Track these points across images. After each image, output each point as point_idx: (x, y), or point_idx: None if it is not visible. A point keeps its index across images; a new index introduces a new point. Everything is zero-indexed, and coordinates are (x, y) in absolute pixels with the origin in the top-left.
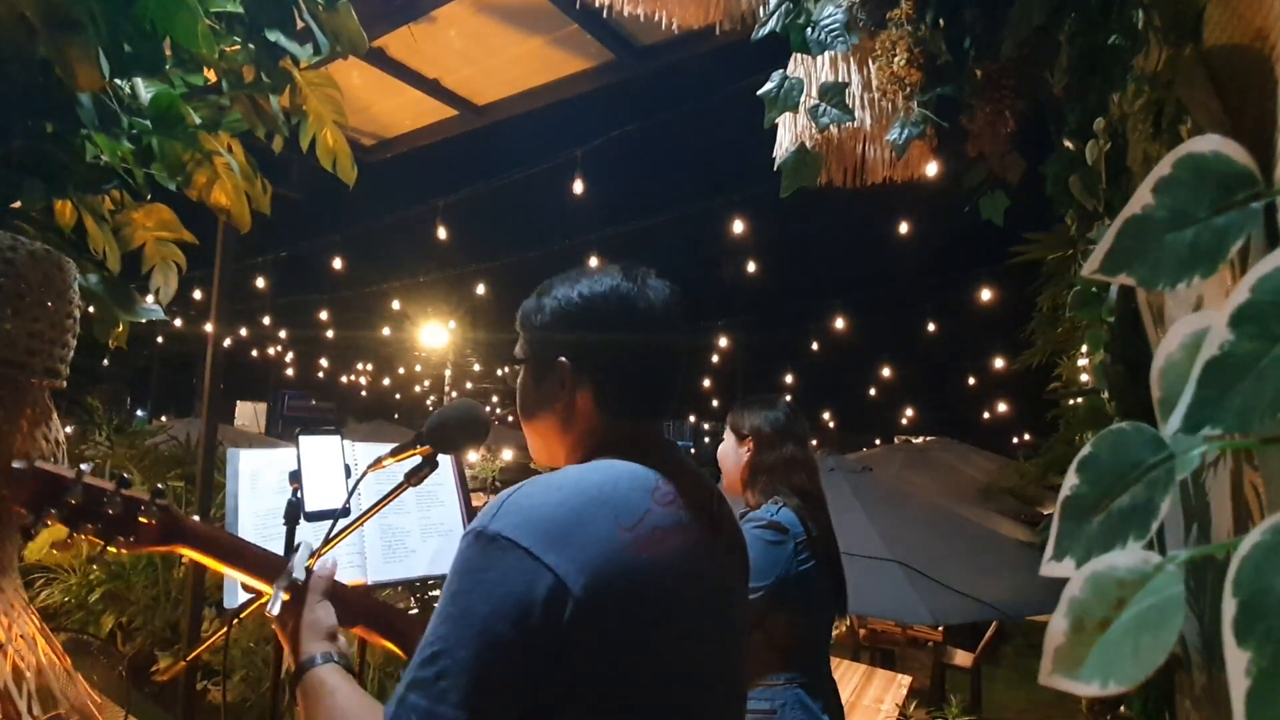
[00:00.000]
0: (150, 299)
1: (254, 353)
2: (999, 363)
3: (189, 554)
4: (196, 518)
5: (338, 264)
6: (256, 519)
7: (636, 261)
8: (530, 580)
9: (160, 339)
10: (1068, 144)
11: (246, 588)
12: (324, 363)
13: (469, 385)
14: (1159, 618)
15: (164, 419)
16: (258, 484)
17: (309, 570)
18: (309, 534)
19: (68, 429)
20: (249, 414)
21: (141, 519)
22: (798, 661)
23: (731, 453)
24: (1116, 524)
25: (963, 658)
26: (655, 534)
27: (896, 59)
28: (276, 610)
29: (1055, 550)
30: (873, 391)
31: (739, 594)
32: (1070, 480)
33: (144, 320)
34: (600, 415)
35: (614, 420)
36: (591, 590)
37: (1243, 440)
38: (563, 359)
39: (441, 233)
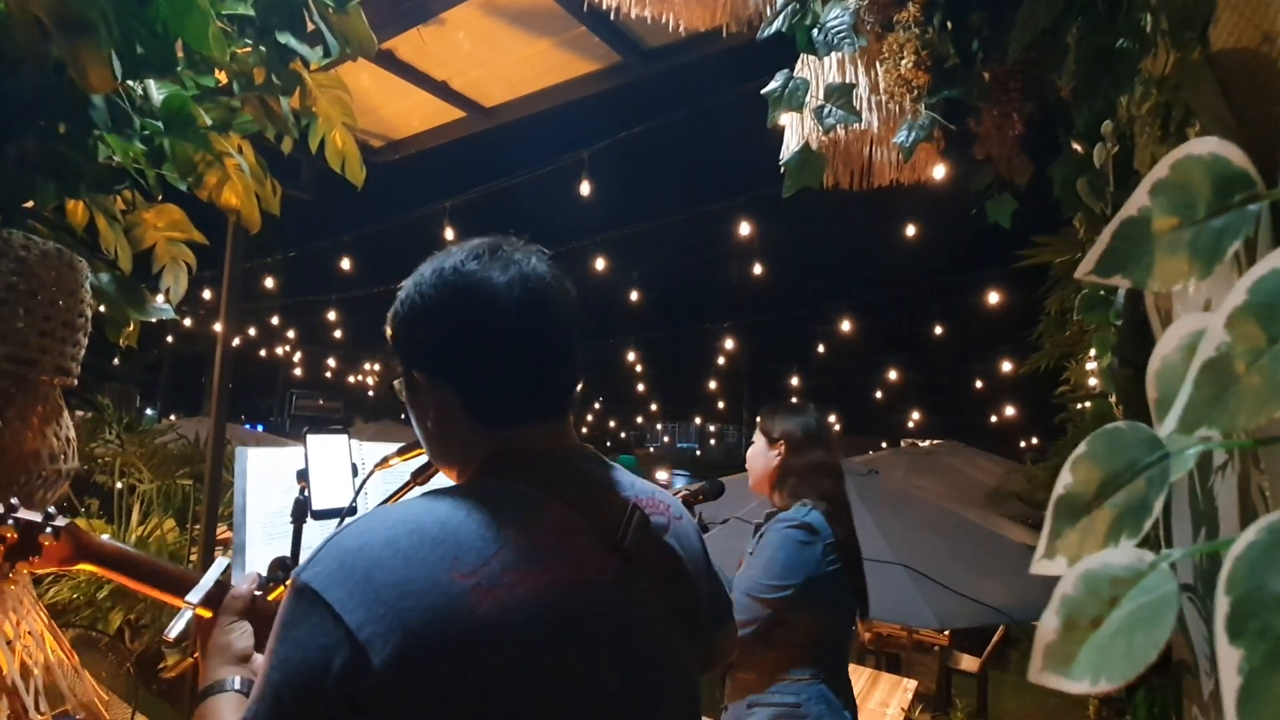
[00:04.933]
0: (160, 298)
1: (263, 352)
2: (1006, 366)
3: (98, 572)
4: (105, 536)
5: (346, 264)
6: (264, 517)
7: (642, 263)
8: (327, 647)
9: (170, 338)
10: (1075, 147)
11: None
12: (331, 362)
13: None
14: (1152, 615)
15: (173, 417)
16: (265, 483)
17: (224, 588)
18: (316, 532)
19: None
20: None
21: (42, 540)
22: (820, 660)
23: (762, 455)
24: (1110, 523)
25: (969, 662)
26: (506, 578)
27: (904, 61)
28: (174, 634)
29: (1046, 548)
30: (879, 394)
31: (664, 630)
32: (1064, 479)
33: (154, 319)
34: (478, 428)
35: (495, 431)
36: (402, 658)
37: (1238, 440)
38: (417, 373)
39: (449, 233)
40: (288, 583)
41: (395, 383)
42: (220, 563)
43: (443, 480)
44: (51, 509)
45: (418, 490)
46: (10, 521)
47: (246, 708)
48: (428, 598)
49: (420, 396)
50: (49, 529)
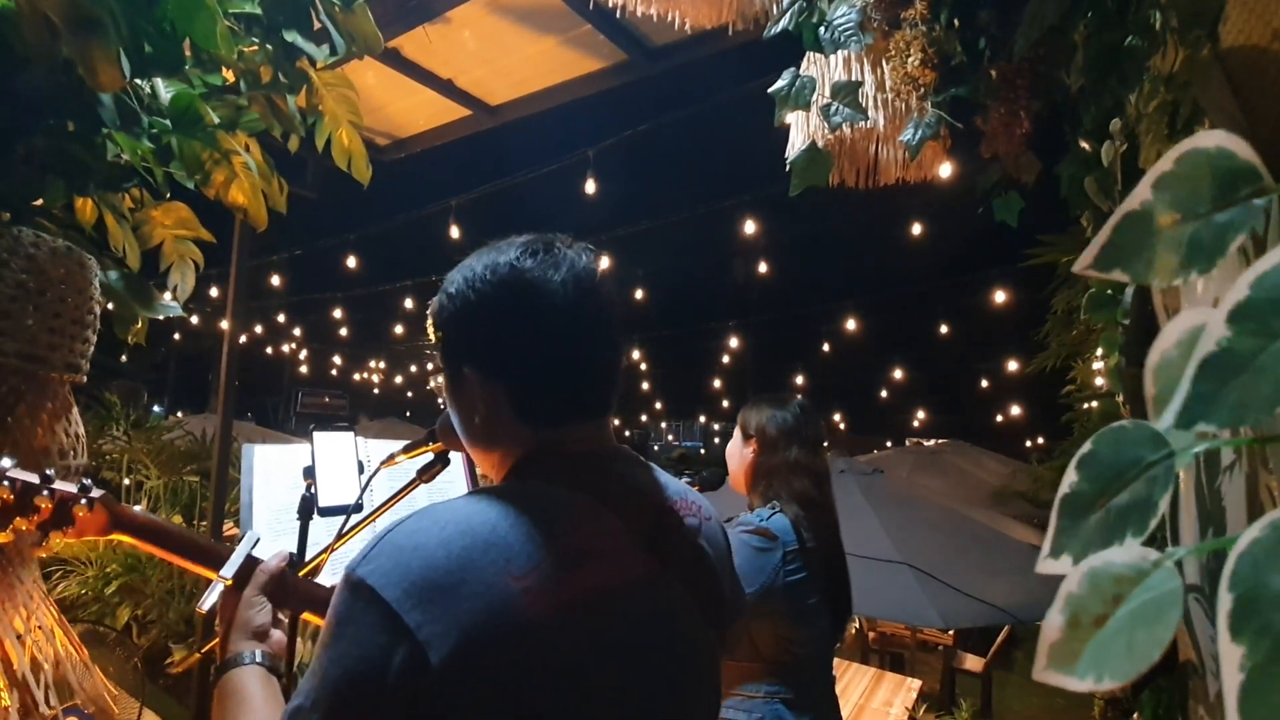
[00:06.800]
0: (168, 296)
1: (269, 349)
2: (1013, 365)
3: (132, 543)
4: (138, 507)
5: (352, 262)
6: (271, 514)
7: (647, 261)
8: (386, 645)
9: (177, 335)
10: (1083, 145)
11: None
12: (337, 360)
13: None
14: (1156, 613)
15: (180, 414)
16: (272, 480)
17: (255, 562)
18: (322, 529)
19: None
20: None
21: (77, 511)
22: (785, 675)
23: (737, 452)
24: (1115, 521)
25: (973, 662)
26: (555, 582)
27: (910, 59)
28: (207, 606)
29: (1052, 547)
30: (884, 393)
31: (694, 631)
32: (1069, 478)
33: (162, 316)
34: (523, 427)
35: (540, 431)
36: (459, 658)
37: (1243, 438)
38: (466, 369)
39: (455, 232)
40: (344, 573)
41: (433, 379)
42: (251, 536)
43: (445, 478)
44: (87, 480)
45: (423, 489)
46: (46, 493)
47: (300, 694)
48: (482, 600)
49: (468, 392)
50: (84, 500)
